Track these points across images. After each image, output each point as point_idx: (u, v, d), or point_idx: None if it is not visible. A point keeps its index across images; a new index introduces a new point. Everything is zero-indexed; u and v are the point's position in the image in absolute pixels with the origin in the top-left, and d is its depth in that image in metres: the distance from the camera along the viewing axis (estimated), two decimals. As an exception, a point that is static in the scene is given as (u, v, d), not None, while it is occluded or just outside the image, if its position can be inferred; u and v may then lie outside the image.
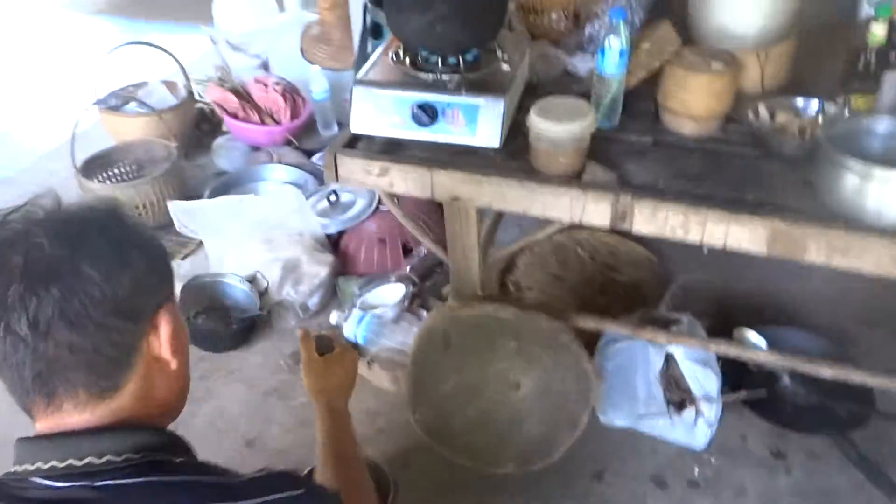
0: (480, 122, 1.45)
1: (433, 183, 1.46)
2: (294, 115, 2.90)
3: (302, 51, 3.23)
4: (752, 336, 1.87)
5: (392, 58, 1.59)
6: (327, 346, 1.26)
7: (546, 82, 1.80)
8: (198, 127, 3.13)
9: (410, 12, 1.48)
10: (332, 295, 2.16)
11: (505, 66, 1.56)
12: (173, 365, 0.85)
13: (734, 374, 1.81)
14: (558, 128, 1.36)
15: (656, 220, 1.35)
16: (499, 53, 1.58)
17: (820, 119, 1.50)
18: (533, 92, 1.70)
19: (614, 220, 1.37)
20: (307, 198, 2.35)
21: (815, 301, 2.17)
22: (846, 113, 1.49)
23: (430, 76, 1.51)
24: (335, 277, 2.17)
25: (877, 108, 1.53)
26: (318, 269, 2.07)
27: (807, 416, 1.81)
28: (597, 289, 2.23)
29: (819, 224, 1.27)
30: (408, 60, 1.56)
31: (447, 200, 1.48)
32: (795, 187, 1.39)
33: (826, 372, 1.56)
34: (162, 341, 0.83)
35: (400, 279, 1.99)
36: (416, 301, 1.94)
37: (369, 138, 1.55)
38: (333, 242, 2.32)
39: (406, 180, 1.49)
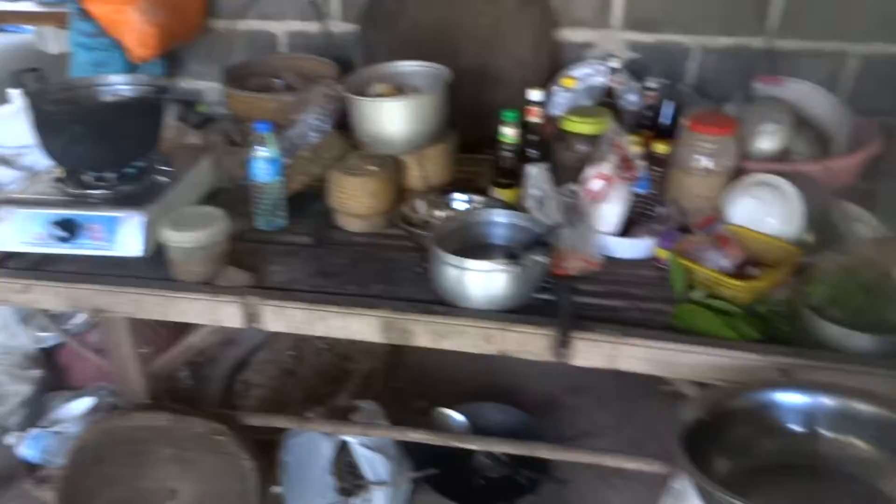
0: (121, 235, 1.49)
1: (76, 297, 1.47)
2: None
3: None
4: (452, 415, 1.98)
5: (54, 174, 1.62)
6: None
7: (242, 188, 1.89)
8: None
9: (49, 134, 1.52)
10: (42, 411, 2.08)
11: (163, 179, 1.63)
12: None
13: (431, 454, 1.88)
14: (184, 237, 1.42)
15: (284, 319, 1.43)
16: (158, 167, 1.65)
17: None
18: (222, 197, 1.77)
19: (246, 321, 1.43)
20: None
21: (535, 373, 2.32)
22: (484, 206, 1.66)
23: (77, 192, 1.55)
24: (46, 393, 2.10)
25: (522, 198, 1.72)
26: (18, 388, 2.00)
27: (491, 488, 1.90)
28: (328, 380, 2.27)
29: (424, 312, 1.39)
30: (66, 177, 1.59)
31: (92, 313, 1.49)
32: (421, 279, 1.51)
33: (501, 448, 1.67)
34: None
35: (102, 392, 1.95)
36: (116, 413, 1.90)
37: (21, 255, 1.55)
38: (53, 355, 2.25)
39: (51, 296, 1.49)
